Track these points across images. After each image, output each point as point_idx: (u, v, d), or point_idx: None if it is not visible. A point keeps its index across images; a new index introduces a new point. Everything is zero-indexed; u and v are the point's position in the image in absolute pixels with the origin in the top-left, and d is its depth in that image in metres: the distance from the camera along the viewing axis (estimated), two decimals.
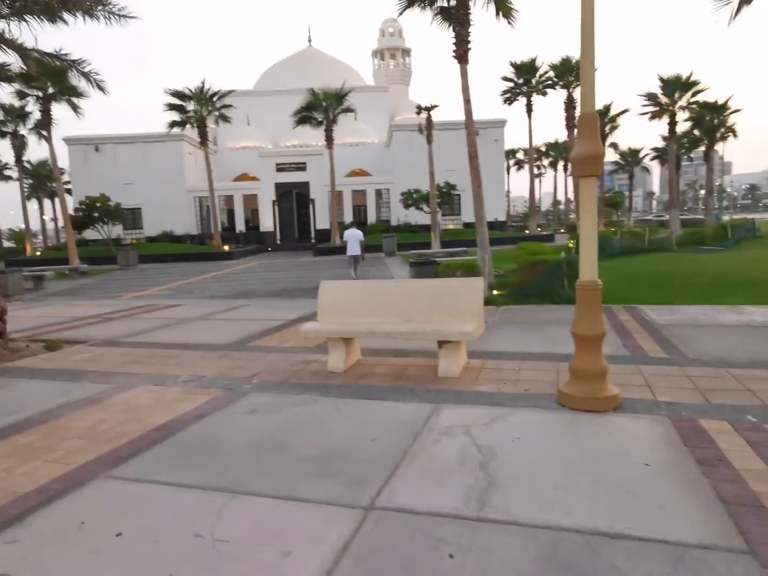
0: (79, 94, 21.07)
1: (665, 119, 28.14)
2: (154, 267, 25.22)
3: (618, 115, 34.00)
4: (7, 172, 41.56)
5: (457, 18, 12.47)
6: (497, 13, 12.87)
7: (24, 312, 12.05)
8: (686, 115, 28.72)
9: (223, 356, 6.77)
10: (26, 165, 42.02)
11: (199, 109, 27.22)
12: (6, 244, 48.80)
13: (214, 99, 27.35)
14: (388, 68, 60.72)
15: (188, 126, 29.70)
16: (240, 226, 36.16)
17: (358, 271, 15.40)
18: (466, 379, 5.30)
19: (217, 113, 28.02)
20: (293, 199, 35.59)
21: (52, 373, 6.29)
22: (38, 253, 34.17)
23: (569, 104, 24.54)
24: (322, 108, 27.27)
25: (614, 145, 42.49)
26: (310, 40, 54.31)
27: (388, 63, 61.26)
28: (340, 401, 4.78)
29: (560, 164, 52.77)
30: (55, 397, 5.25)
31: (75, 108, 21.25)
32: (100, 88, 9.76)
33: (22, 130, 29.78)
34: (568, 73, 23.96)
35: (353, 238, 15.46)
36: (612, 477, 3.14)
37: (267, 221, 35.37)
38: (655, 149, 45.11)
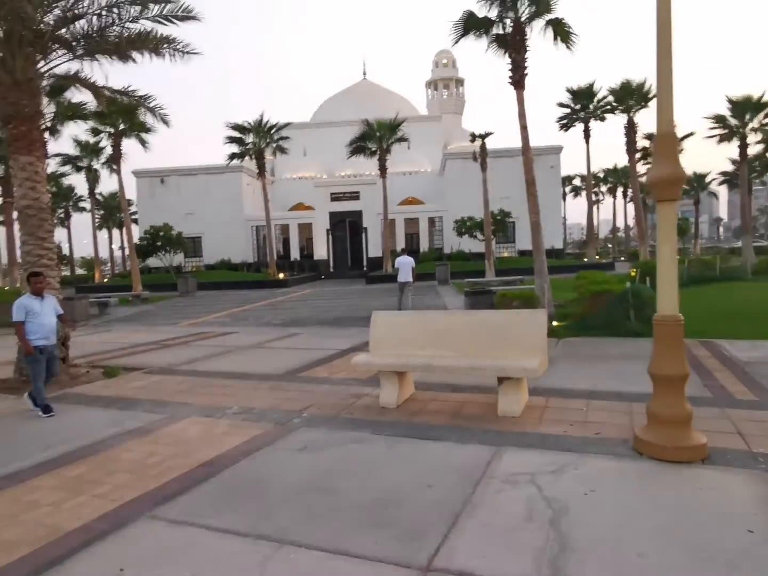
0: (147, 130, 22.28)
1: (735, 142, 26.79)
2: (212, 294, 25.91)
3: (683, 138, 32.65)
4: (81, 204, 44.30)
5: (513, 44, 12.32)
6: (555, 39, 12.63)
7: (89, 337, 12.47)
8: (758, 137, 27.23)
9: (274, 387, 6.64)
10: (98, 197, 44.74)
11: (257, 142, 28.19)
12: (79, 271, 51.80)
13: (272, 131, 28.28)
14: (442, 98, 61.31)
15: (247, 158, 30.74)
16: (295, 254, 36.86)
17: (409, 298, 15.05)
18: (529, 419, 4.91)
19: (274, 145, 28.92)
20: (346, 228, 36.03)
21: (107, 400, 6.34)
22: (105, 280, 35.96)
23: (630, 129, 23.65)
24: (376, 138, 27.64)
25: None
26: (365, 74, 55.72)
27: (442, 93, 61.90)
28: (392, 440, 4.50)
29: (619, 190, 51.18)
30: (108, 427, 5.23)
31: (143, 143, 22.52)
32: (165, 122, 10.15)
33: (95, 165, 31.86)
34: (629, 97, 23.15)
35: (405, 264, 15.29)
36: (709, 545, 2.70)
37: (321, 249, 35.89)
38: (724, 173, 43.01)
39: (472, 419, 4.99)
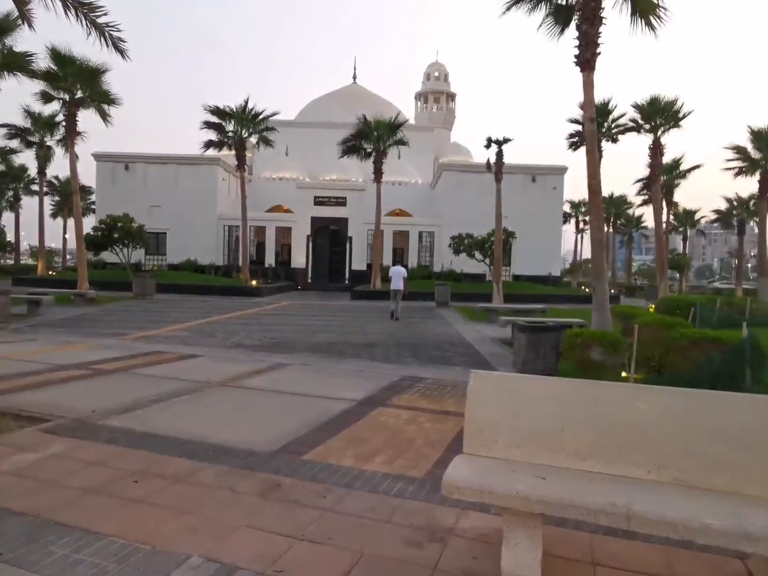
0: (110, 101, 18.84)
1: (751, 175, 25.10)
2: (173, 298, 22.46)
3: (690, 170, 30.98)
4: (34, 187, 39.93)
5: (585, 14, 9.76)
6: (634, 13, 10.14)
7: None
8: None
9: (267, 490, 3.66)
10: (53, 181, 40.51)
11: (239, 130, 24.98)
12: (29, 261, 47.06)
13: (257, 120, 25.15)
14: (432, 111, 59.39)
15: (225, 150, 27.55)
16: (270, 260, 33.51)
17: (399, 305, 16.14)
18: None
19: (257, 136, 25.78)
20: (329, 236, 33.01)
21: None
22: (52, 273, 31.90)
23: (656, 150, 21.47)
24: (374, 138, 24.84)
25: (674, 204, 39.30)
26: (355, 77, 53.17)
27: (432, 107, 60.00)
28: None
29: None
30: None
31: (104, 116, 18.95)
32: (118, 50, 7.15)
33: (49, 141, 28.02)
34: (657, 114, 21.09)
35: (398, 274, 16.49)
36: None
37: (299, 257, 32.70)
38: (717, 211, 41.97)
39: None
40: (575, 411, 3.01)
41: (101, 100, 18.73)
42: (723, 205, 41.57)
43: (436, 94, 60.22)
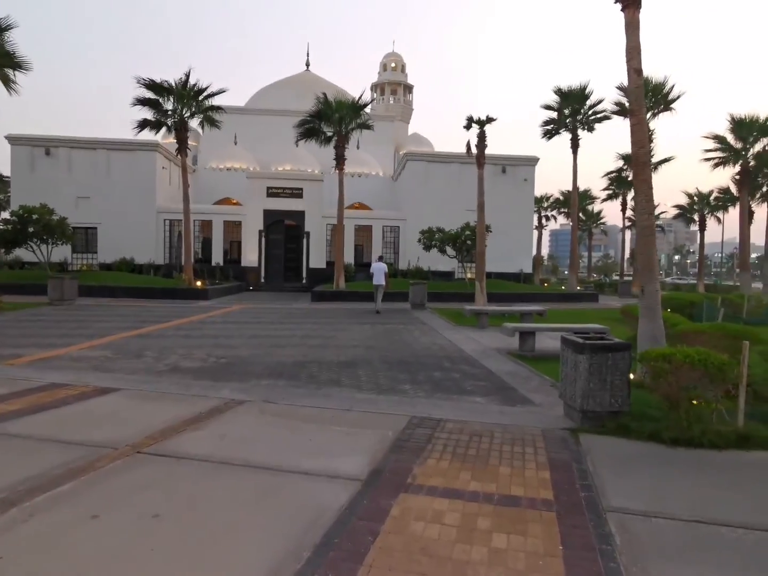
0: (15, 65, 15.47)
1: (732, 166, 24.06)
2: (101, 303, 19.13)
3: (660, 163, 29.93)
4: None
5: None
6: None
7: None
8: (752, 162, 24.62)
9: None
10: None
11: (179, 108, 21.75)
12: None
13: (200, 97, 21.99)
14: (389, 103, 57.19)
15: (164, 132, 24.18)
16: (217, 258, 30.21)
17: (380, 298, 16.91)
18: None
19: (201, 116, 22.60)
20: (283, 231, 30.07)
21: None
22: None
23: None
24: (335, 120, 22.18)
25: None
26: (308, 65, 50.08)
27: (389, 98, 57.82)
28: None
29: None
30: None
31: (7, 82, 15.56)
32: None
33: None
34: (646, 96, 19.52)
35: (379, 270, 16.93)
36: None
37: (250, 255, 29.61)
38: (678, 206, 41.53)
39: None
40: None
41: (3, 63, 15.30)
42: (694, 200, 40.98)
43: (393, 86, 58.08)
